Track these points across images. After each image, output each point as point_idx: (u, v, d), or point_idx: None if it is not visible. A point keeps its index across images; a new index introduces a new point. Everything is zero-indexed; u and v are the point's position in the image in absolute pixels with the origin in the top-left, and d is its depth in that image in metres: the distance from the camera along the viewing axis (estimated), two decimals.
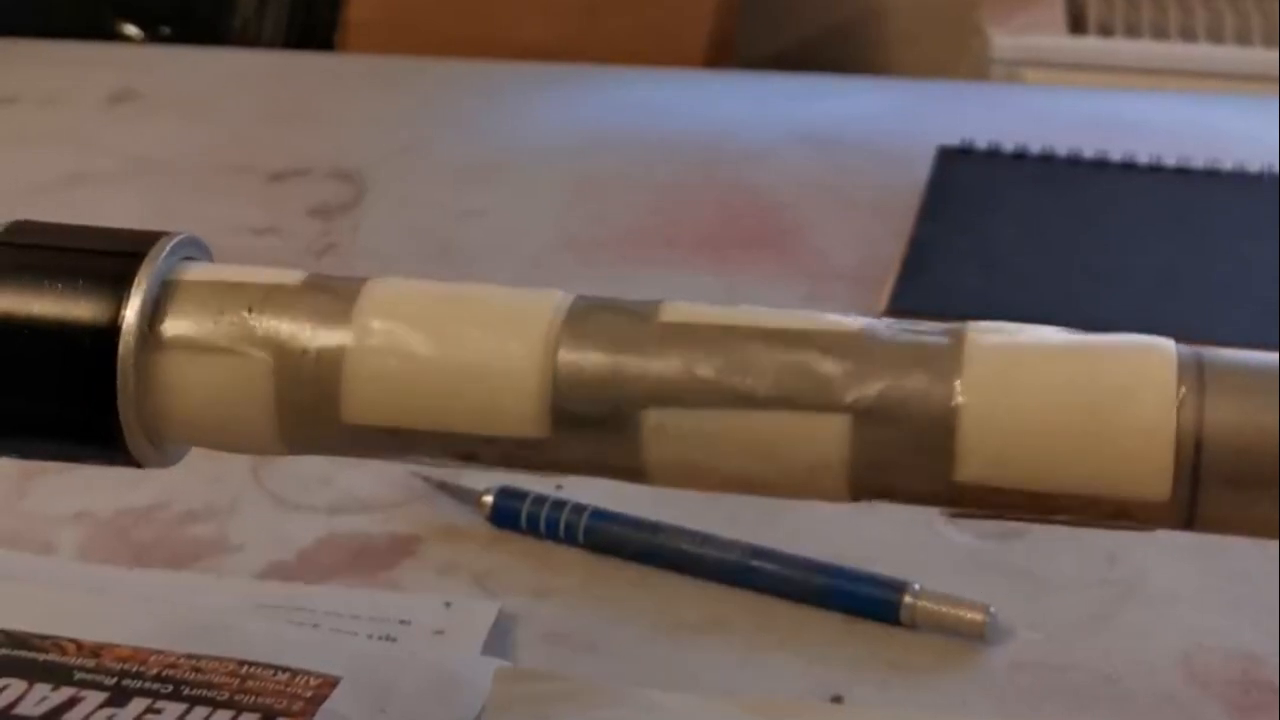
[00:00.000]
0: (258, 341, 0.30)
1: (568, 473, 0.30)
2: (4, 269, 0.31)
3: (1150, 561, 0.51)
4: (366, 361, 0.30)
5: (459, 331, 0.30)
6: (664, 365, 0.29)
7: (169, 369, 0.31)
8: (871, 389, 0.29)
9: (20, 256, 0.31)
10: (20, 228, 0.32)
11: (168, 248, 0.31)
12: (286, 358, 0.30)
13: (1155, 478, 0.28)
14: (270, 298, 0.31)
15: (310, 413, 0.30)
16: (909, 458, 0.29)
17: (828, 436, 0.29)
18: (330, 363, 0.30)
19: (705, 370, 0.29)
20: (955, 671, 0.47)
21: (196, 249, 0.32)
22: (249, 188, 0.80)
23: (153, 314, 0.31)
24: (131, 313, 0.30)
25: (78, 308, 0.30)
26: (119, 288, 0.30)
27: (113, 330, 0.30)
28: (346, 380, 0.30)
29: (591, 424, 0.30)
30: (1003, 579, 0.50)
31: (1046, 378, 0.28)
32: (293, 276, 0.32)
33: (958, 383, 0.28)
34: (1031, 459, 0.28)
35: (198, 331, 0.31)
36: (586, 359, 0.30)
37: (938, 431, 0.28)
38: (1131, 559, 0.51)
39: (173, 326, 0.31)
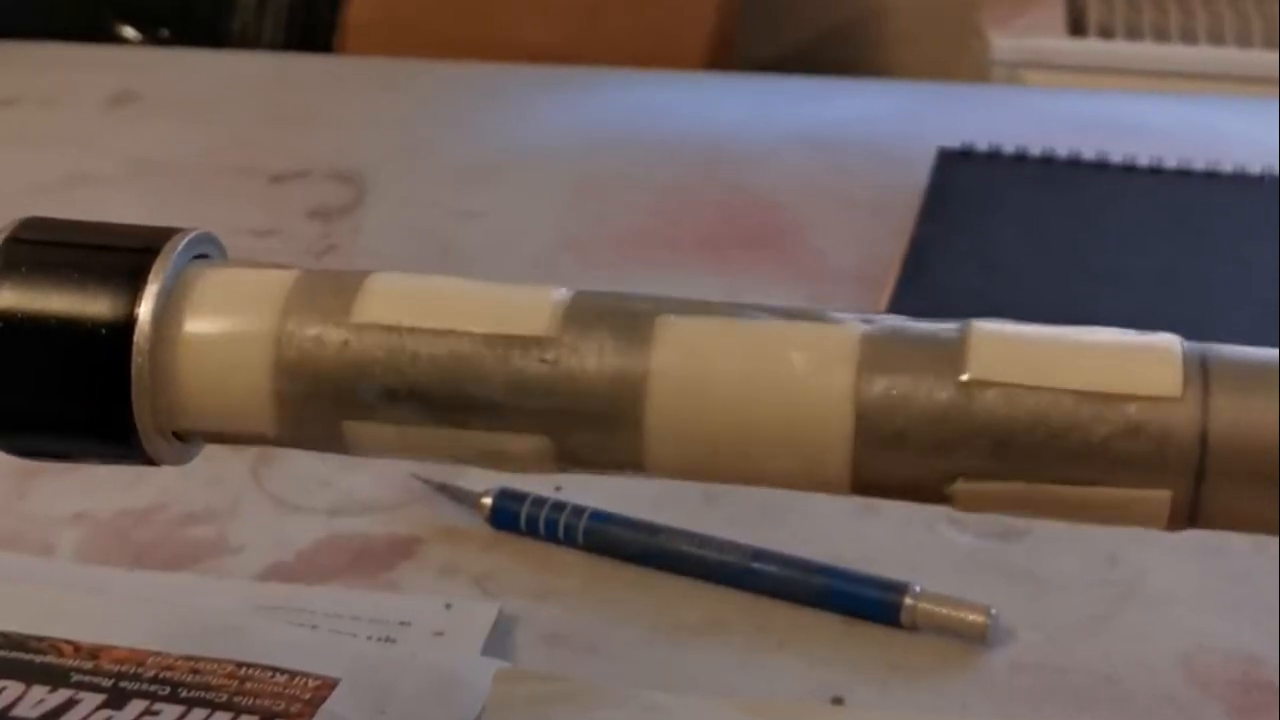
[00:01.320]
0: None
1: (568, 408, 0.30)
2: (17, 265, 0.31)
3: (1151, 562, 0.51)
4: (379, 284, 0.31)
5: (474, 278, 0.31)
6: (675, 294, 0.31)
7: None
8: (880, 315, 0.30)
9: (33, 253, 0.31)
10: (33, 224, 0.32)
11: (182, 244, 0.31)
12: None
13: (1166, 372, 0.28)
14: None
15: (318, 324, 0.31)
16: (918, 356, 0.29)
17: (835, 340, 0.29)
18: (349, 289, 0.31)
19: (716, 299, 0.31)
20: (956, 673, 0.47)
21: (210, 245, 0.32)
22: (249, 189, 0.80)
23: (167, 309, 0.31)
24: (146, 308, 0.30)
25: (92, 304, 0.30)
26: (133, 283, 0.30)
27: (128, 326, 0.30)
28: (361, 293, 0.31)
29: (603, 325, 0.30)
30: (1003, 580, 0.50)
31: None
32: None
33: (970, 321, 0.29)
34: (1042, 359, 0.28)
35: (212, 327, 0.31)
36: (602, 288, 0.31)
37: (949, 337, 0.29)
38: (1132, 559, 0.51)
39: (187, 322, 0.31)
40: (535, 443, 0.30)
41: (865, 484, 0.29)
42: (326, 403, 0.30)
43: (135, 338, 0.30)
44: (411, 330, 0.30)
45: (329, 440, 0.31)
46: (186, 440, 0.32)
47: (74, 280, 0.31)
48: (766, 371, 0.29)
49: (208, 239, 0.32)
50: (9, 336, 0.30)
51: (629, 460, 0.30)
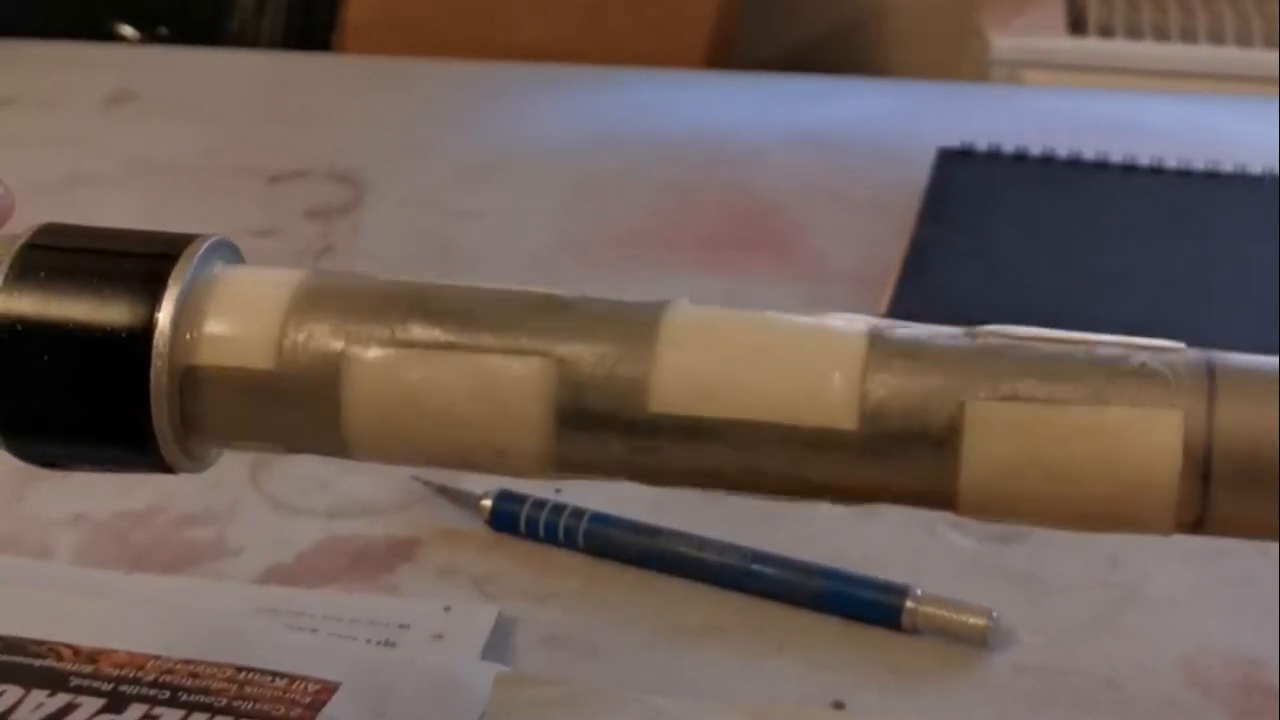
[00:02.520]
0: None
1: (589, 356, 0.30)
2: (35, 271, 0.31)
3: (1152, 565, 0.51)
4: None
5: None
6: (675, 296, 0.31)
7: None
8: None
9: (51, 259, 0.31)
10: (50, 230, 0.32)
11: (201, 250, 0.31)
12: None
13: (1170, 343, 0.29)
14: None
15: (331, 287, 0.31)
16: (930, 327, 0.30)
17: (848, 336, 0.30)
18: (365, 276, 0.32)
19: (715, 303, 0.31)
20: (957, 676, 0.47)
21: (229, 251, 0.32)
22: (247, 189, 0.80)
23: (187, 315, 0.30)
24: (165, 315, 0.30)
25: (111, 310, 0.30)
26: (153, 290, 0.30)
27: (146, 333, 0.30)
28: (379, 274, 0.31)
29: (612, 300, 0.31)
30: (1004, 583, 0.50)
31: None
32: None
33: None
34: (1052, 330, 0.29)
35: (232, 334, 0.30)
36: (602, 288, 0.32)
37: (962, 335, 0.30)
38: (1133, 562, 0.51)
39: (207, 329, 0.30)
40: (541, 369, 0.30)
41: (872, 412, 0.29)
42: (331, 334, 0.30)
43: (155, 343, 0.30)
44: (431, 284, 0.31)
45: (326, 388, 0.30)
46: (203, 446, 0.32)
47: (93, 286, 0.30)
48: (768, 344, 0.30)
49: (225, 244, 0.32)
50: (27, 342, 0.30)
51: (634, 404, 0.30)
